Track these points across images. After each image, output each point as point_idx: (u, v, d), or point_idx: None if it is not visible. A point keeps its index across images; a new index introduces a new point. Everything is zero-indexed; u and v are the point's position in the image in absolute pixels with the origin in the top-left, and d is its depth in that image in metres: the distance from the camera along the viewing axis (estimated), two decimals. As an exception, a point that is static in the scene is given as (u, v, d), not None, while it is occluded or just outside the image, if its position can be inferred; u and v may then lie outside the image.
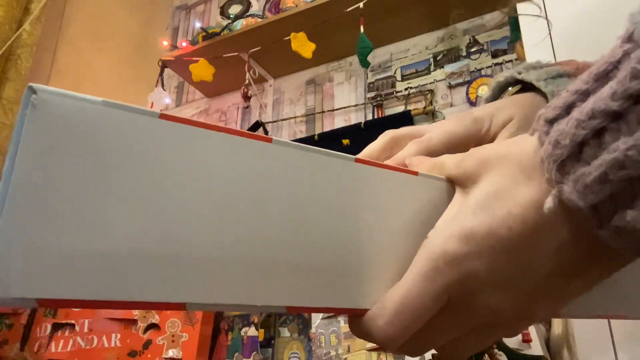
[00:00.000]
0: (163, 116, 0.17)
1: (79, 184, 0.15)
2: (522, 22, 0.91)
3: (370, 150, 0.31)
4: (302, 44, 1.43)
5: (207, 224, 0.17)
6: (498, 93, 0.39)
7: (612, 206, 0.16)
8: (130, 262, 0.15)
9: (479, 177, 0.21)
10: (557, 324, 0.82)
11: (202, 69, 1.57)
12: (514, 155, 0.20)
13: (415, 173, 0.23)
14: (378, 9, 1.38)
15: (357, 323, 0.21)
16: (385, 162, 0.23)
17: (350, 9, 1.37)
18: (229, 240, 0.17)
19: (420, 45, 1.56)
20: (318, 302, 0.19)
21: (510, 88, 0.38)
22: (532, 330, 0.82)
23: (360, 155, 0.39)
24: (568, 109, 0.18)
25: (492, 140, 0.32)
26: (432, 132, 0.31)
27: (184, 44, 1.72)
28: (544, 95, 0.34)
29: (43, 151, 0.14)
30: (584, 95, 0.17)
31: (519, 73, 0.36)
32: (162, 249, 0.16)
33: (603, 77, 0.17)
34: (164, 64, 1.72)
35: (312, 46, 1.43)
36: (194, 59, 1.60)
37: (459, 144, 0.30)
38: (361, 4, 1.36)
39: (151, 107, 1.62)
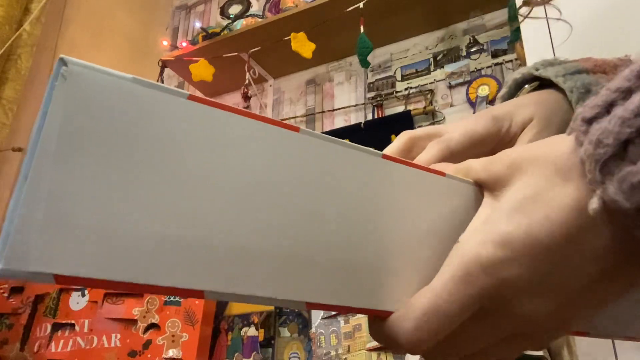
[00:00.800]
0: (191, 97, 0.16)
1: (104, 161, 0.15)
2: (522, 22, 0.90)
3: (388, 152, 0.30)
4: (302, 44, 1.43)
5: (230, 211, 0.17)
6: (514, 90, 0.38)
7: None
8: (150, 245, 0.15)
9: (510, 180, 0.20)
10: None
11: (202, 69, 1.57)
12: (548, 157, 0.19)
13: (443, 174, 0.22)
14: (378, 9, 1.38)
15: (379, 326, 0.21)
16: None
17: (350, 9, 1.37)
18: (250, 229, 0.17)
19: (420, 45, 1.57)
20: (339, 300, 0.19)
21: (527, 85, 0.37)
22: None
23: None
24: (609, 107, 0.17)
25: (512, 139, 0.31)
26: (451, 132, 0.30)
27: (184, 44, 1.72)
28: (562, 92, 0.33)
29: (70, 124, 0.14)
30: (626, 93, 0.17)
31: (536, 69, 0.35)
32: (184, 235, 0.16)
33: None
34: (164, 64, 1.72)
35: (312, 46, 1.43)
36: (194, 59, 1.60)
37: (480, 143, 0.30)
38: (361, 4, 1.36)
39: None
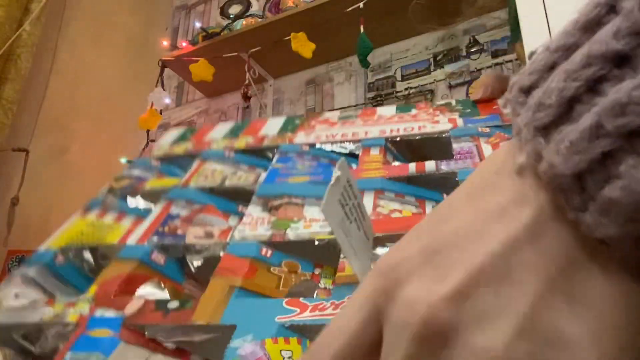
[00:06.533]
0: None
1: None
2: (522, 22, 0.91)
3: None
4: (302, 44, 1.42)
5: None
6: None
7: (602, 175, 0.12)
8: None
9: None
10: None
11: (202, 69, 1.57)
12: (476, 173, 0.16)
13: None
14: (378, 9, 1.38)
15: None
16: None
17: (350, 9, 1.37)
18: None
19: (420, 45, 1.57)
20: None
21: None
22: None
23: None
24: (549, 71, 0.14)
25: None
26: None
27: (184, 44, 1.72)
28: None
29: None
30: (570, 51, 0.13)
31: None
32: None
33: (595, 24, 0.13)
34: (164, 64, 1.72)
35: (312, 46, 1.43)
36: (194, 59, 1.60)
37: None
38: (361, 4, 1.36)
39: (151, 107, 1.62)
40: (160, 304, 0.31)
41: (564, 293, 0.13)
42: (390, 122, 0.50)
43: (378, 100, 1.55)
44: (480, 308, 0.13)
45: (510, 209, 0.14)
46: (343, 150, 0.48)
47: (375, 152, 0.45)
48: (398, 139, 0.46)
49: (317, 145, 0.49)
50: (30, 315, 0.32)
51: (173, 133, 0.59)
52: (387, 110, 0.53)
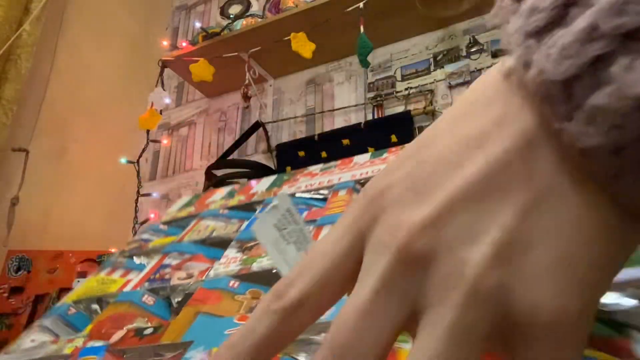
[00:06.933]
0: None
1: None
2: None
3: None
4: (302, 44, 1.43)
5: None
6: None
7: (592, 81, 0.11)
8: None
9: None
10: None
11: (202, 69, 1.57)
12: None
13: None
14: (378, 9, 1.38)
15: None
16: None
17: (350, 9, 1.37)
18: None
19: (420, 45, 1.57)
20: None
21: None
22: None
23: None
24: None
25: None
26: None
27: (184, 44, 1.72)
28: None
29: None
30: None
31: None
32: None
33: None
34: (164, 64, 1.72)
35: (312, 46, 1.43)
36: (194, 59, 1.60)
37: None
38: (361, 4, 1.36)
39: (151, 107, 1.62)
40: (138, 331, 0.37)
41: (538, 218, 0.13)
42: (362, 167, 0.54)
43: (378, 100, 1.55)
44: (456, 232, 0.13)
45: (492, 133, 0.14)
46: (319, 197, 0.51)
47: (342, 193, 0.48)
48: (362, 181, 0.50)
49: (297, 195, 0.52)
50: (38, 353, 0.38)
51: (181, 200, 0.67)
52: (362, 158, 0.58)
